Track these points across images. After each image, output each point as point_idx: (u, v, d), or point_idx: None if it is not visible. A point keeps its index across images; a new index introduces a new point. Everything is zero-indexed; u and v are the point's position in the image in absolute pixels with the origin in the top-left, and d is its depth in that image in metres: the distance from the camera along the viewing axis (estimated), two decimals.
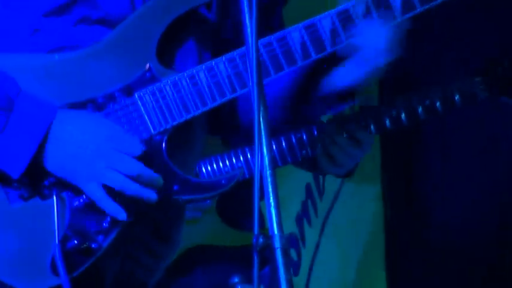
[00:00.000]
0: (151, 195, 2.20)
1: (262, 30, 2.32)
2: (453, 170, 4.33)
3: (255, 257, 1.84)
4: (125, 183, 2.19)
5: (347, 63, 2.37)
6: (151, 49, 2.28)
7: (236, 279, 3.21)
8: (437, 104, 2.99)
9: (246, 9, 1.92)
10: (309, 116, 2.57)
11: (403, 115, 2.98)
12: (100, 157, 2.22)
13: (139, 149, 2.21)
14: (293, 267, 4.17)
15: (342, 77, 2.38)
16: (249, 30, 1.92)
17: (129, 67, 2.30)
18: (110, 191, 2.20)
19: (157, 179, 2.24)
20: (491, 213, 4.39)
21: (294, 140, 3.12)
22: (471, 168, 4.29)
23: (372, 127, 2.95)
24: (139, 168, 2.19)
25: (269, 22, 2.53)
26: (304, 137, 3.16)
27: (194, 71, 2.28)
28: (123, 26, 2.30)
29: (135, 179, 2.19)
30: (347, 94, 2.48)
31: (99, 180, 2.20)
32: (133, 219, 2.25)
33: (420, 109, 2.98)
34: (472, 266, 4.42)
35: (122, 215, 2.19)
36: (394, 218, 4.46)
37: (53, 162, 2.23)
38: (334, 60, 2.39)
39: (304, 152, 3.08)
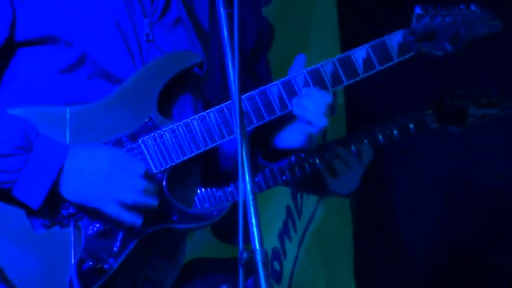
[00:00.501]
0: (155, 202, 2.31)
1: (248, 76, 2.68)
2: (419, 189, 4.46)
3: (240, 270, 1.98)
4: (136, 197, 2.30)
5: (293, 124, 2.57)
6: (153, 103, 2.40)
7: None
8: (395, 132, 3.13)
9: (230, 63, 2.07)
10: (261, 164, 2.72)
11: (380, 137, 3.13)
12: (110, 180, 2.32)
13: (142, 167, 2.33)
14: (276, 276, 4.32)
15: (290, 137, 2.58)
16: (232, 77, 2.05)
17: (134, 118, 2.41)
18: (125, 206, 2.32)
19: (156, 189, 2.35)
20: (456, 229, 4.47)
21: (275, 167, 3.18)
22: (436, 188, 4.43)
23: (366, 141, 3.11)
24: (145, 183, 2.31)
25: (254, 69, 2.85)
26: (284, 164, 3.21)
27: (189, 120, 2.41)
28: (127, 84, 2.42)
29: (144, 192, 2.31)
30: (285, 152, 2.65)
31: (113, 199, 2.30)
32: (150, 231, 2.36)
33: (380, 137, 3.14)
34: (437, 278, 4.52)
35: (138, 221, 2.31)
36: (363, 233, 4.57)
37: (70, 191, 2.32)
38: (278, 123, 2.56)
39: (284, 177, 3.17)
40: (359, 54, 2.49)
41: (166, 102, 2.45)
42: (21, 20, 2.37)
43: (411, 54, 2.55)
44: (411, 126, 3.11)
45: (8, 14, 2.35)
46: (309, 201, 4.43)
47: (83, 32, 2.39)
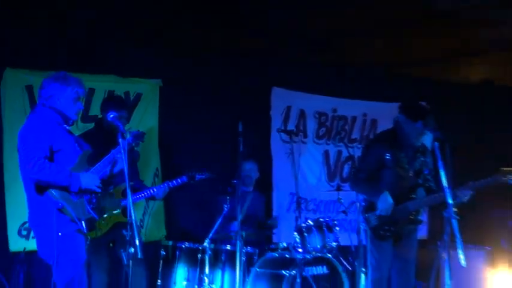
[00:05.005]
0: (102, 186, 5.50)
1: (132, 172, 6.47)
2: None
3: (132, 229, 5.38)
4: (99, 183, 5.58)
5: None
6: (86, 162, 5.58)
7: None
8: None
9: (126, 171, 5.40)
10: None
11: None
12: (92, 180, 5.59)
13: (99, 181, 5.58)
14: (141, 227, 7.62)
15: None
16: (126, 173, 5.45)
17: (86, 168, 5.65)
18: (97, 186, 5.60)
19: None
20: None
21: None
22: None
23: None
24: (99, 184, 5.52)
25: (134, 168, 6.64)
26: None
27: (97, 164, 5.81)
28: (78, 159, 5.62)
29: (100, 183, 5.54)
30: None
31: (95, 184, 5.59)
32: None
33: None
34: None
35: (99, 191, 5.61)
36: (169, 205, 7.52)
37: (84, 184, 5.57)
38: None
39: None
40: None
41: (91, 163, 5.71)
42: (53, 146, 5.52)
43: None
44: None
45: (49, 146, 5.43)
46: (150, 202, 7.81)
47: (64, 149, 5.60)
